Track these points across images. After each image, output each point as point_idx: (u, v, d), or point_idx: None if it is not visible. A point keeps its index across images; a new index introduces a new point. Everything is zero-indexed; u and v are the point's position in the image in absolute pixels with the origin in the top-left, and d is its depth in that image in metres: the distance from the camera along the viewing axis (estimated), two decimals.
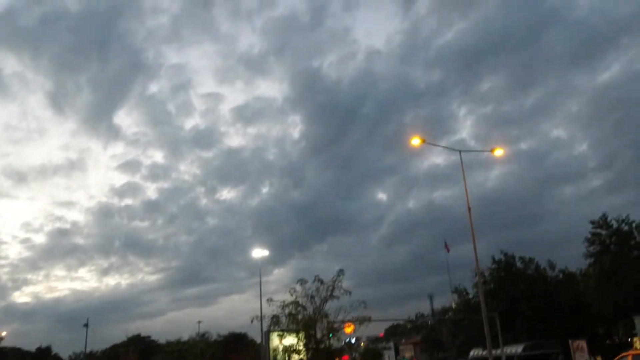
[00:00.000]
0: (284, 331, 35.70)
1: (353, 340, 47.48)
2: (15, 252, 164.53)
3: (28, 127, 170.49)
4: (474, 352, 49.19)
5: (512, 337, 43.19)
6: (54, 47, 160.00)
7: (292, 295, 34.19)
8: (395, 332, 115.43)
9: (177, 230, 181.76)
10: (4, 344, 74.73)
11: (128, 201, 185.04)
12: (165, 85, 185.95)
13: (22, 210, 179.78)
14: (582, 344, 30.94)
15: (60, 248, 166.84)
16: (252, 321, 38.66)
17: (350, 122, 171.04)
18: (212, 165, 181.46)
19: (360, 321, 33.70)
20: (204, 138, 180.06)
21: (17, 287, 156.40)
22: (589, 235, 41.38)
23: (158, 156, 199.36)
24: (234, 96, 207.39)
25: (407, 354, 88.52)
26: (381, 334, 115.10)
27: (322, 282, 33.74)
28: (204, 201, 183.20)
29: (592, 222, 41.14)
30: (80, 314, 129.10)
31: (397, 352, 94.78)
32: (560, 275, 49.51)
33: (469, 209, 20.26)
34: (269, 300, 34.72)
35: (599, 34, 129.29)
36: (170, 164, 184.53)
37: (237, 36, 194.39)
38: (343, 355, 46.16)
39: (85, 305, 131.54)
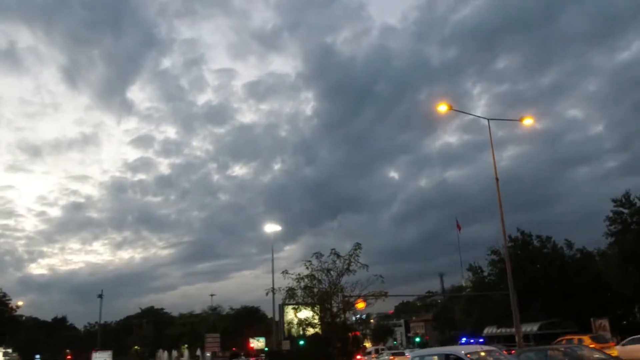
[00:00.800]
0: (299, 304, 35.45)
1: (364, 317, 47.37)
2: (31, 225, 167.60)
3: (42, 102, 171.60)
4: (488, 330, 48.97)
5: (529, 315, 42.79)
6: (67, 21, 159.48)
7: (307, 268, 33.79)
8: (405, 310, 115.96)
9: (190, 205, 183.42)
10: (21, 312, 76.16)
11: (141, 176, 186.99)
12: (178, 60, 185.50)
13: (37, 184, 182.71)
14: (605, 322, 30.47)
15: (75, 222, 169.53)
16: (267, 294, 38.52)
17: (363, 99, 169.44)
18: (224, 142, 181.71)
19: (376, 296, 33.25)
20: (217, 114, 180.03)
21: (33, 260, 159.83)
22: (610, 214, 40.44)
23: (171, 132, 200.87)
24: (247, 72, 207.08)
25: (418, 332, 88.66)
26: (390, 311, 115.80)
27: (338, 255, 33.22)
28: (216, 177, 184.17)
29: (614, 201, 40.09)
30: (95, 286, 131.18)
31: (407, 330, 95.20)
32: (578, 255, 48.81)
33: (497, 179, 19.59)
34: (285, 272, 34.32)
35: (618, 12, 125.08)
36: (182, 140, 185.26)
37: (250, 11, 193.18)
38: (353, 332, 46.16)
39: (100, 278, 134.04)
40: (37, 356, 72.77)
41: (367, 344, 67.52)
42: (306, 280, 33.57)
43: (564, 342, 27.61)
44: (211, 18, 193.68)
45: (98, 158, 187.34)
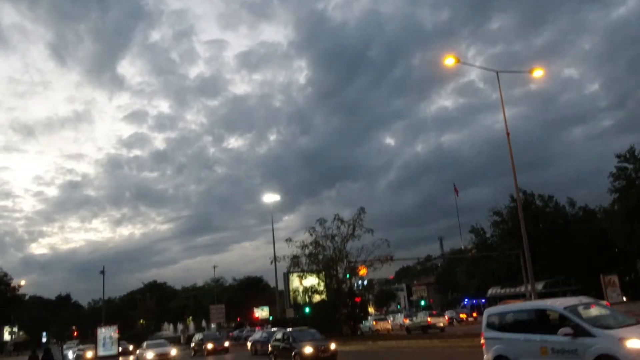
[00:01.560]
0: (305, 272, 35.21)
1: (366, 283, 47.34)
2: (29, 205, 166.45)
3: (31, 80, 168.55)
4: (492, 291, 49.19)
5: (533, 274, 42.82)
6: None
7: (311, 235, 33.46)
8: (405, 275, 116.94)
9: (186, 179, 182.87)
10: (25, 292, 76.19)
11: (136, 152, 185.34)
12: (167, 32, 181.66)
13: (32, 163, 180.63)
14: (614, 279, 30.40)
15: (73, 200, 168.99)
16: (271, 262, 38.41)
17: (356, 66, 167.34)
18: (218, 114, 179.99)
19: (382, 261, 33.02)
20: (209, 86, 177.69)
21: (33, 239, 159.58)
22: (614, 170, 40.04)
23: (164, 106, 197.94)
24: (238, 42, 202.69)
25: (422, 295, 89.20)
26: (391, 276, 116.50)
27: (342, 221, 32.84)
28: (211, 150, 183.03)
29: (618, 156, 39.66)
30: (96, 264, 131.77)
31: (409, 294, 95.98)
32: (581, 213, 48.65)
33: (508, 134, 18.88)
34: (288, 240, 33.99)
35: None
36: (176, 114, 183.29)
37: None
38: (355, 297, 46.14)
39: (101, 255, 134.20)
40: (44, 333, 73.19)
41: (370, 309, 67.96)
42: (310, 247, 33.31)
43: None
44: None
45: (92, 135, 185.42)
